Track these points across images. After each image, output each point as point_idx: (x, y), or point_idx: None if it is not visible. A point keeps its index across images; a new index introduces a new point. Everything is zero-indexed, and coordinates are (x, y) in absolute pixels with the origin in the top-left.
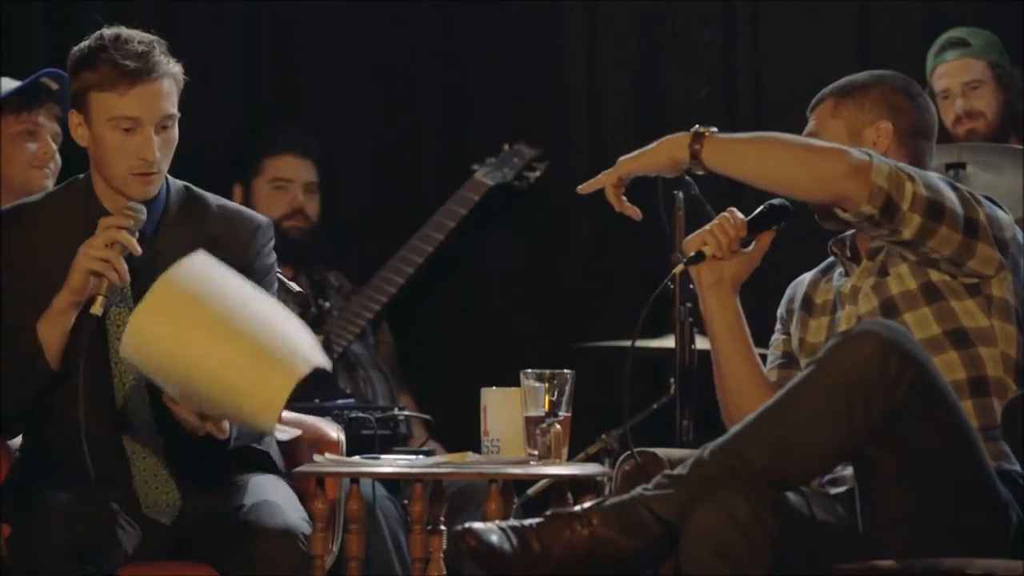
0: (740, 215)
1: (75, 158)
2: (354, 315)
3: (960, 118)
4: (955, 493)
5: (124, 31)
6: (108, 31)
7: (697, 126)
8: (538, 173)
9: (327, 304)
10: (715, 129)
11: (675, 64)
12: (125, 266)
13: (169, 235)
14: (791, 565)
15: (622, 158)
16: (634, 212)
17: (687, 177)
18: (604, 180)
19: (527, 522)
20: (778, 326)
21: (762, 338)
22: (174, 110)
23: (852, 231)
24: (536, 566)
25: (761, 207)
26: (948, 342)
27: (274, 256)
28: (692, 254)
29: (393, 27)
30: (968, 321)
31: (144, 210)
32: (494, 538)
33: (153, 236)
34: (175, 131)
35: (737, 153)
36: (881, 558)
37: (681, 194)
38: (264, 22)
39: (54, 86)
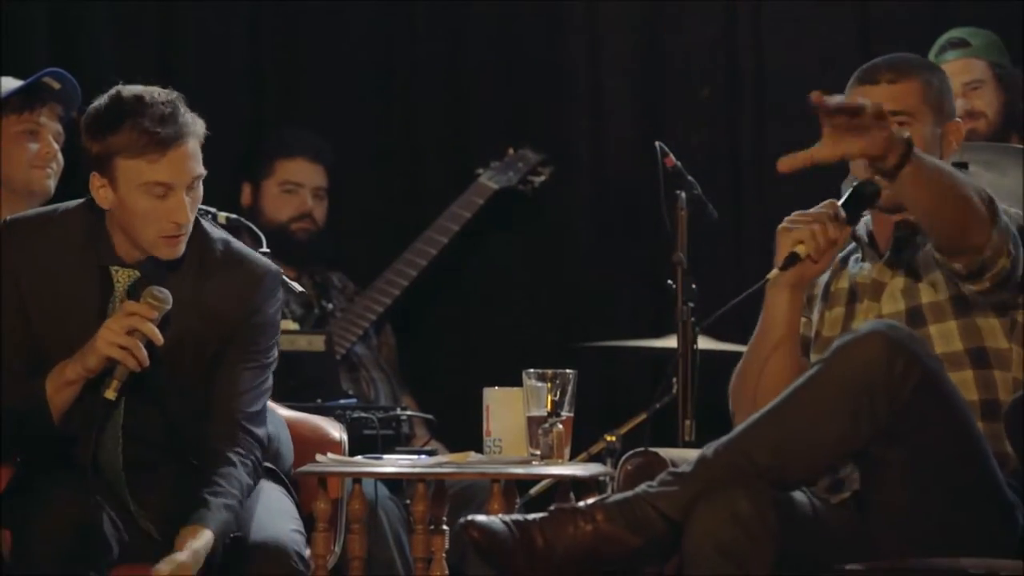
0: (843, 211)
1: (79, 159)
2: (357, 316)
3: (961, 118)
4: (960, 494)
5: (144, 92)
6: (127, 92)
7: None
8: (543, 178)
9: (330, 305)
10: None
11: (677, 64)
12: (145, 353)
13: (175, 283)
14: (794, 564)
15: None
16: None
17: (689, 177)
18: (817, 155)
19: (531, 516)
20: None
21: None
22: (202, 170)
23: (867, 218)
24: (539, 560)
25: (848, 192)
26: (968, 360)
27: (278, 306)
28: (787, 257)
29: (397, 30)
30: (991, 341)
31: (170, 298)
32: (498, 531)
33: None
34: (201, 189)
35: (930, 176)
36: (885, 558)
37: (683, 194)
38: (267, 23)
39: (56, 85)
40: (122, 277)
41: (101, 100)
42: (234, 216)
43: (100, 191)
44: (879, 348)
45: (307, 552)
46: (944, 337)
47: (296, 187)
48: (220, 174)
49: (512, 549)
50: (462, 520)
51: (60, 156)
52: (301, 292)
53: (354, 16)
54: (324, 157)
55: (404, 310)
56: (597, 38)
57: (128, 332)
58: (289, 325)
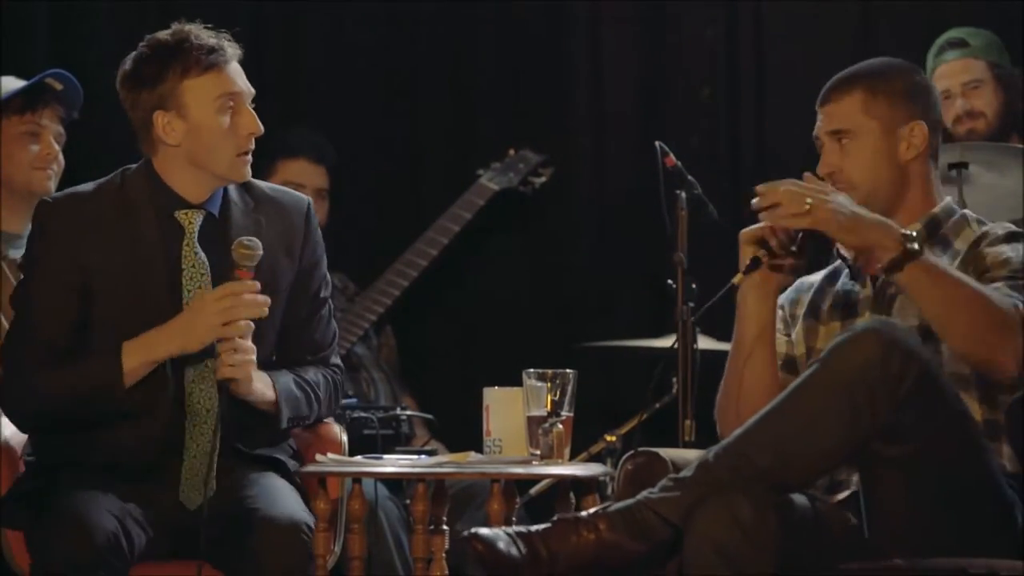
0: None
1: (78, 161)
2: (358, 317)
3: (960, 118)
4: (959, 491)
5: (178, 26)
6: (161, 34)
7: (912, 233)
8: (543, 179)
9: None
10: (922, 251)
11: (678, 64)
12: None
13: (239, 219)
14: (795, 566)
15: (826, 205)
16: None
17: (689, 177)
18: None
19: (533, 528)
20: (779, 326)
21: None
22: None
23: None
24: (543, 571)
25: None
26: (974, 380)
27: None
28: (750, 261)
29: (398, 31)
30: None
31: (259, 244)
32: (501, 544)
33: (225, 223)
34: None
35: (933, 284)
36: (885, 558)
37: (684, 194)
38: (268, 23)
39: (58, 86)
40: (192, 218)
41: (137, 52)
42: None
43: (167, 128)
44: (875, 346)
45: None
46: (954, 357)
47: (297, 187)
48: None
49: (516, 561)
50: (465, 533)
51: (61, 157)
52: None
53: (355, 16)
54: (326, 158)
55: (404, 310)
56: (598, 38)
57: (225, 324)
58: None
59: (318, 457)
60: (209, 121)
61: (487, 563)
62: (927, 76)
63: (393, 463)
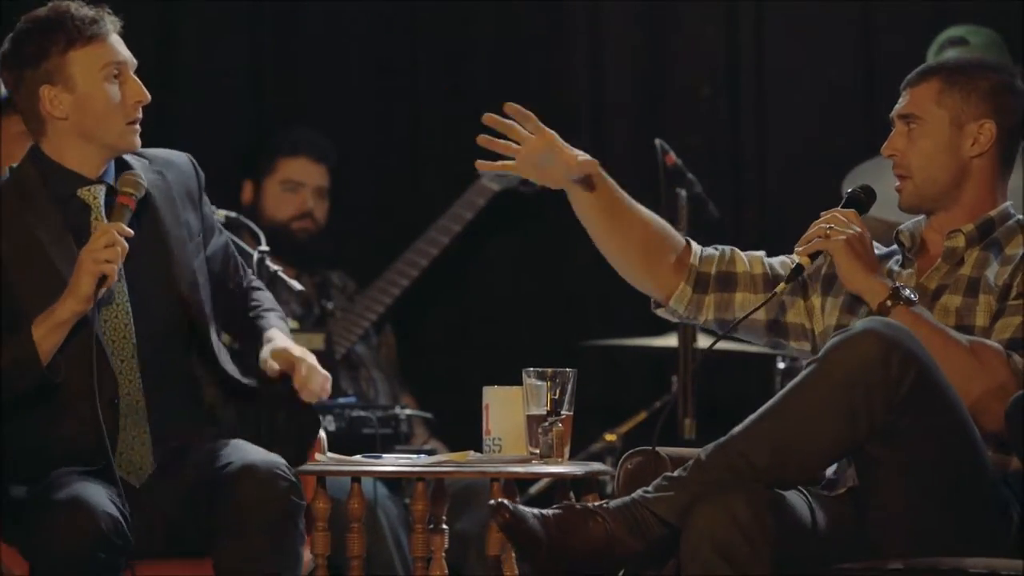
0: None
1: None
2: (358, 316)
3: None
4: (956, 491)
5: (57, 3)
6: (37, 11)
7: (903, 291)
8: None
9: (330, 304)
10: (913, 298)
11: (678, 62)
12: (124, 247)
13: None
14: (792, 565)
15: (832, 245)
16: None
17: (689, 175)
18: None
19: (548, 511)
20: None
21: None
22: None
23: (920, 218)
24: (559, 553)
25: (844, 198)
26: None
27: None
28: (792, 269)
29: (397, 29)
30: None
31: (144, 180)
32: (528, 518)
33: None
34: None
35: (916, 333)
36: (882, 557)
37: (684, 192)
38: (267, 21)
39: None
40: (95, 193)
41: (16, 31)
42: (233, 214)
43: (54, 101)
44: (874, 346)
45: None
46: None
47: (297, 185)
48: (218, 172)
49: (539, 538)
50: (493, 501)
51: None
52: (300, 290)
53: (355, 14)
54: (327, 157)
55: (404, 310)
56: (598, 37)
57: (106, 246)
58: (289, 324)
59: (317, 456)
60: (97, 91)
61: (512, 534)
62: (1020, 83)
63: (392, 462)
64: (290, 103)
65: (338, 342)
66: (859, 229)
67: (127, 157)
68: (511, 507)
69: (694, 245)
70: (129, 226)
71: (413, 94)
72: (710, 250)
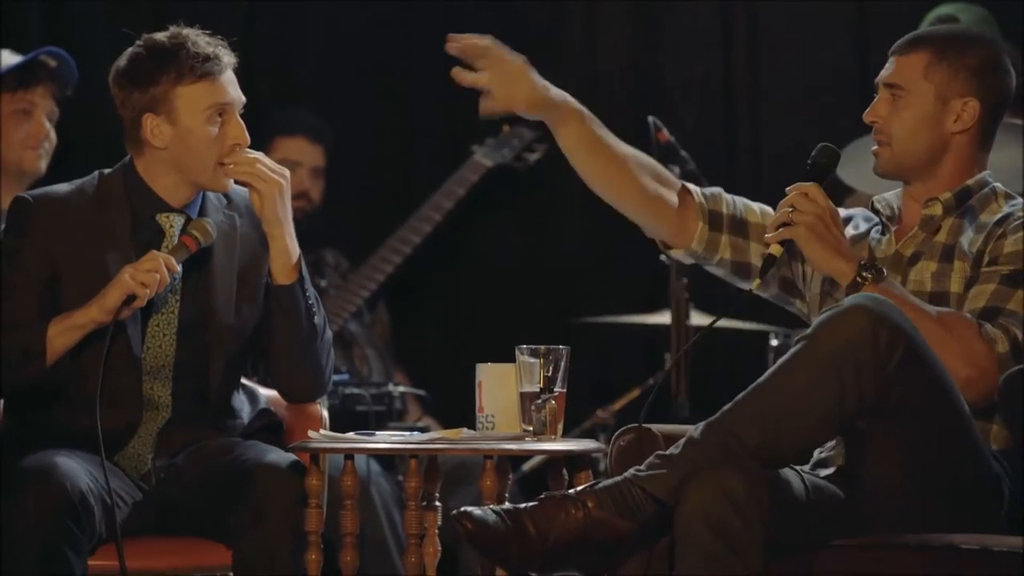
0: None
1: (77, 140)
2: (351, 294)
3: None
4: (946, 466)
5: (177, 30)
6: (158, 35)
7: (864, 271)
8: (537, 155)
9: (324, 283)
10: (882, 272)
11: (671, 41)
12: (164, 276)
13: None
14: (785, 541)
15: (794, 233)
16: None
17: (683, 152)
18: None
19: (522, 505)
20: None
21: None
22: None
23: (899, 190)
24: (532, 548)
25: (808, 166)
26: None
27: None
28: (764, 261)
29: (392, 8)
30: (1001, 347)
31: (215, 231)
32: (490, 522)
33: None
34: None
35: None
36: (874, 533)
37: (678, 169)
38: (263, 4)
39: (52, 63)
40: (173, 221)
41: (133, 51)
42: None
43: (155, 131)
44: (863, 322)
45: None
46: None
47: (294, 165)
48: None
49: (505, 538)
50: (454, 512)
51: (53, 135)
52: None
53: (350, 4)
54: (324, 137)
55: (398, 287)
56: (593, 14)
57: (148, 270)
58: None
59: (310, 433)
60: (198, 129)
61: (476, 540)
62: (1007, 60)
63: (385, 439)
64: (285, 83)
65: (331, 320)
66: (822, 205)
67: (210, 194)
68: (472, 514)
69: (690, 184)
70: (188, 263)
71: (406, 71)
72: (712, 189)
